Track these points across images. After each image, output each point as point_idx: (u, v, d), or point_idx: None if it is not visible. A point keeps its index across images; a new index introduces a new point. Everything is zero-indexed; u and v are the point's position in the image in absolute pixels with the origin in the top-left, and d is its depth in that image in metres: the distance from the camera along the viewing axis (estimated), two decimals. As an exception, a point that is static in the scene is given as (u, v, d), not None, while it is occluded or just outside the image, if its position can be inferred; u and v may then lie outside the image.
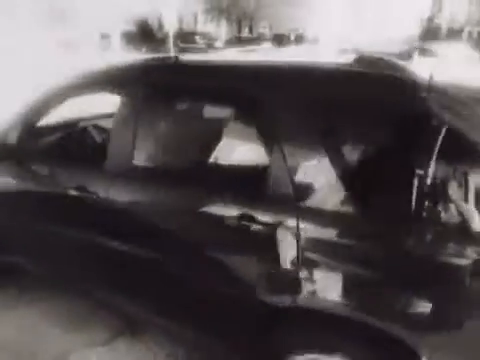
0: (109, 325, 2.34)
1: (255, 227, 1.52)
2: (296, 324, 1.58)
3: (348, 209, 1.41)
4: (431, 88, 1.33)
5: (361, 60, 1.55)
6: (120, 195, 1.89)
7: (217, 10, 31.41)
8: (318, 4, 28.97)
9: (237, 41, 25.61)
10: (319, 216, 1.45)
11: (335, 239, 1.42)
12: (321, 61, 1.80)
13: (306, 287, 1.46)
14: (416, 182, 1.31)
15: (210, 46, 23.05)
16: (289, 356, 1.58)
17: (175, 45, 21.52)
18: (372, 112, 1.44)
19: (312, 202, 1.46)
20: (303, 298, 1.48)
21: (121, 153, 1.90)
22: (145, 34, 25.14)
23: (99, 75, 2.18)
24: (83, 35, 19.24)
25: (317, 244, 1.45)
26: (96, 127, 2.69)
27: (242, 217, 1.54)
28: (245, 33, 31.98)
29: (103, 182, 1.93)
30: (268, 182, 1.53)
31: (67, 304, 2.50)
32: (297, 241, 1.46)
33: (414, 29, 27.44)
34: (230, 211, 1.58)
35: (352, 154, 1.44)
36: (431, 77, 1.34)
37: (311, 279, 1.44)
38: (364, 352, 1.41)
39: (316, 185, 1.46)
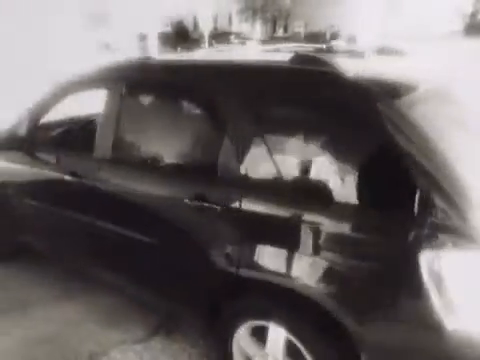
0: (146, 323, 2.40)
1: (208, 205, 1.74)
2: (248, 293, 1.77)
3: (287, 194, 1.60)
4: (354, 82, 1.52)
5: (297, 58, 1.73)
6: (104, 180, 2.17)
7: (251, 10, 31.37)
8: (356, 1, 28.40)
9: (271, 40, 25.48)
10: (262, 199, 1.65)
11: (276, 218, 1.61)
12: (268, 59, 1.99)
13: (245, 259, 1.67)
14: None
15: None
16: (241, 322, 1.78)
17: (210, 45, 21.68)
18: (302, 102, 1.64)
19: (255, 186, 1.68)
20: (244, 270, 1.69)
21: (105, 142, 2.18)
22: (180, 35, 25.46)
23: (92, 74, 2.42)
24: (122, 36, 19.73)
25: (257, 222, 1.66)
26: None
27: (197, 197, 1.77)
28: (280, 32, 31.80)
29: (91, 168, 2.22)
30: (218, 167, 1.76)
31: (107, 300, 2.59)
32: (240, 220, 1.68)
33: (457, 25, 26.46)
34: (187, 192, 1.81)
35: (293, 143, 1.61)
36: (356, 73, 1.55)
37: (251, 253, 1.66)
38: (310, 330, 1.59)
39: (259, 171, 1.67)
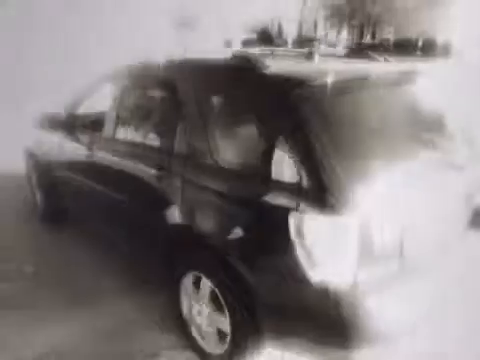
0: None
1: (164, 174, 2.20)
2: (189, 246, 2.14)
3: (218, 170, 1.96)
4: (268, 76, 1.90)
5: (233, 56, 2.13)
6: (106, 153, 2.75)
7: (338, 17, 30.72)
8: (451, 7, 26.48)
9: (358, 47, 24.65)
10: (202, 170, 2.04)
11: (208, 185, 1.99)
12: (215, 56, 2.41)
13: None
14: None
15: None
16: (186, 271, 2.17)
17: (293, 52, 21.55)
18: (232, 91, 2.05)
19: (193, 162, 2.09)
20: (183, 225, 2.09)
21: (110, 124, 2.75)
22: (264, 41, 25.66)
23: (110, 73, 2.94)
24: (209, 43, 20.39)
25: (198, 189, 2.04)
26: None
27: (159, 168, 2.23)
28: (367, 39, 30.66)
29: (99, 145, 2.83)
30: (175, 145, 2.20)
31: (163, 302, 2.58)
32: (183, 184, 2.09)
33: None
34: (153, 164, 2.28)
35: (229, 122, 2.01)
36: (277, 69, 1.94)
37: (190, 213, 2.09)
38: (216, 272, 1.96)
39: (197, 150, 2.08)
